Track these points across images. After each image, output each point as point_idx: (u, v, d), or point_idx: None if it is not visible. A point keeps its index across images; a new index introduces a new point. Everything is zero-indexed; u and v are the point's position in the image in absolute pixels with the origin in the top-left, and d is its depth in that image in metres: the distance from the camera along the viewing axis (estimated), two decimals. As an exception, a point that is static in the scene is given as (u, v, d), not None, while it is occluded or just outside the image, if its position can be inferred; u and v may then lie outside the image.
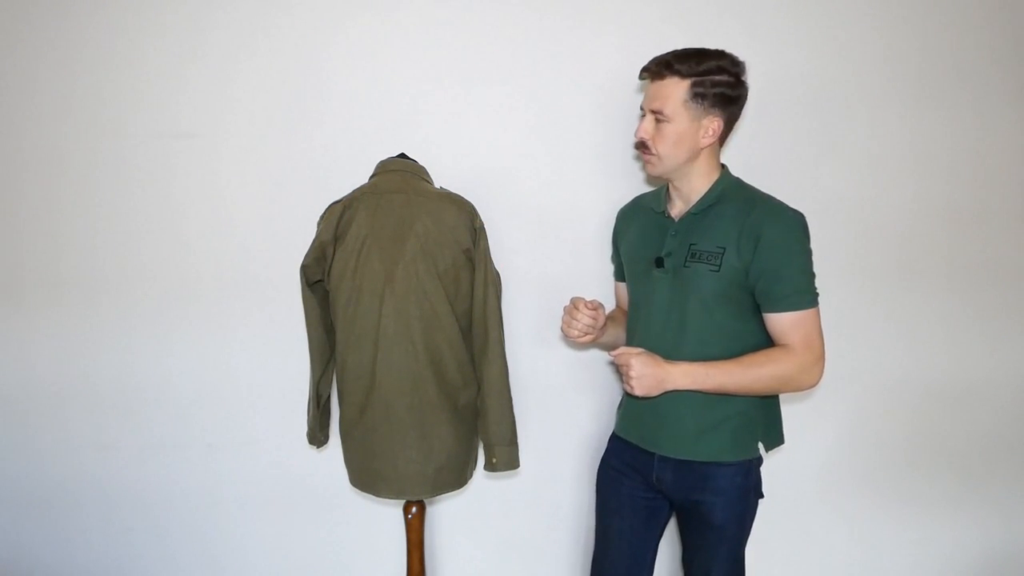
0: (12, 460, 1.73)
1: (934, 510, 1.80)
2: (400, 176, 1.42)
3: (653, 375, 1.21)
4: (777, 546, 1.77)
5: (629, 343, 1.39)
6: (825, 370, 1.22)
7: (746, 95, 1.25)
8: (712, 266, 1.22)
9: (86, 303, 1.66)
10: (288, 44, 1.57)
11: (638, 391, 1.21)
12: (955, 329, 1.73)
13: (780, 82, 1.58)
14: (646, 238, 1.35)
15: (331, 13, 1.57)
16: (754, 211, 1.21)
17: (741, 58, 1.23)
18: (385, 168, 1.45)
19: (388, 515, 1.73)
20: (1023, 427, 1.78)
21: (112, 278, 1.65)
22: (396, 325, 1.36)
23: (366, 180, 1.46)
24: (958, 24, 1.62)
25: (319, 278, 1.45)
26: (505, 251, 1.61)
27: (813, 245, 1.22)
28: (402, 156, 1.48)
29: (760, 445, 1.29)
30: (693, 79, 1.20)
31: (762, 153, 1.60)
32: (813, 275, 1.22)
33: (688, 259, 1.24)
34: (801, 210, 1.23)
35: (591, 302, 1.33)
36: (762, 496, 1.33)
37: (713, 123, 1.22)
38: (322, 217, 1.44)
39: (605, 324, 1.37)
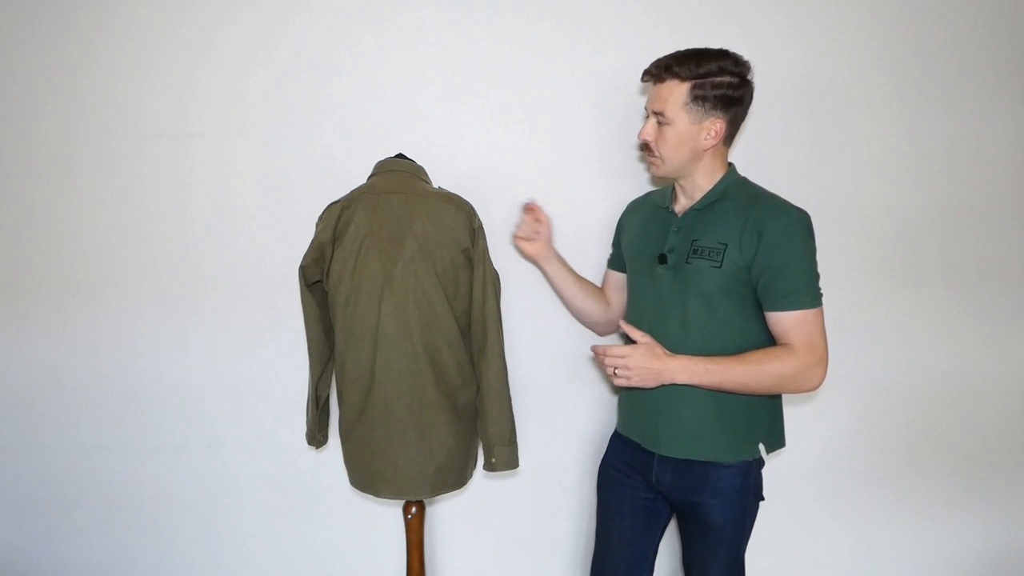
0: (12, 460, 1.73)
1: (934, 510, 1.80)
2: (398, 176, 1.42)
3: (651, 368, 1.20)
4: (777, 547, 1.77)
5: (630, 339, 1.39)
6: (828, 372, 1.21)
7: (751, 95, 1.24)
8: (713, 262, 1.21)
9: (86, 303, 1.66)
10: (292, 47, 1.57)
11: (635, 383, 1.21)
12: (955, 329, 1.72)
13: (778, 83, 1.58)
14: (649, 233, 1.35)
15: (333, 16, 1.57)
16: (757, 208, 1.21)
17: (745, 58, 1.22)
18: (383, 168, 1.45)
19: (388, 515, 1.73)
20: (1022, 427, 1.78)
21: (112, 278, 1.65)
22: (395, 325, 1.36)
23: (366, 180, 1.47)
24: (957, 25, 1.62)
25: (318, 278, 1.45)
26: (504, 251, 1.61)
27: (816, 245, 1.21)
28: (400, 156, 1.48)
29: (761, 447, 1.29)
30: (693, 82, 1.19)
31: (761, 154, 1.60)
32: (817, 275, 1.20)
33: (690, 255, 1.24)
34: (802, 208, 1.22)
35: (533, 206, 1.46)
36: (762, 499, 1.32)
37: (715, 124, 1.22)
38: (321, 217, 1.44)
39: (555, 255, 1.48)
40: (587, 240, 1.62)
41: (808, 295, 1.18)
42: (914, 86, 1.63)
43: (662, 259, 1.28)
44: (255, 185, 1.61)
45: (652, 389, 1.25)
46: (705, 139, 1.23)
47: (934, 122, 1.65)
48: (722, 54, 1.21)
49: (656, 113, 1.24)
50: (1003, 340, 1.74)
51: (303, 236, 1.46)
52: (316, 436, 1.55)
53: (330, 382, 1.55)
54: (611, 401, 1.69)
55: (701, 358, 1.21)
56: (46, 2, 1.57)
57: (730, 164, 1.31)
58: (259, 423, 1.70)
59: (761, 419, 1.29)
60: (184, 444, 1.71)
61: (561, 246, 1.60)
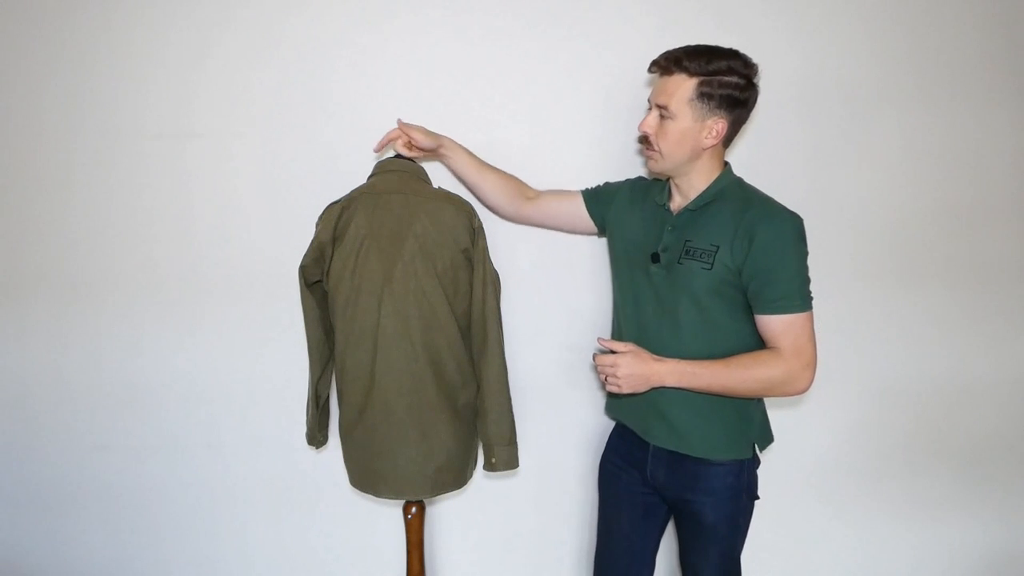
0: (12, 460, 1.73)
1: (934, 511, 1.80)
2: (398, 176, 1.42)
3: (640, 374, 1.21)
4: (777, 547, 1.77)
5: (620, 337, 1.39)
6: (816, 376, 1.21)
7: (755, 98, 1.24)
8: (704, 263, 1.21)
9: (86, 303, 1.66)
10: (293, 48, 1.57)
11: (625, 389, 1.22)
12: (954, 329, 1.72)
13: (776, 83, 1.58)
14: (645, 230, 1.34)
15: (334, 17, 1.56)
16: (750, 211, 1.20)
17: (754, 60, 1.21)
18: (383, 168, 1.45)
19: (388, 515, 1.73)
20: (1022, 427, 1.78)
21: (113, 278, 1.65)
22: (395, 325, 1.36)
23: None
24: (956, 25, 1.62)
25: (318, 278, 1.45)
26: (504, 251, 1.61)
27: (811, 247, 1.21)
28: (400, 156, 1.48)
29: (755, 446, 1.29)
30: (701, 78, 1.18)
31: (758, 154, 1.60)
32: (807, 279, 1.20)
33: (683, 256, 1.24)
34: (798, 212, 1.22)
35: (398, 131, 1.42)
36: (757, 498, 1.32)
37: (718, 124, 1.21)
38: (320, 218, 1.43)
39: (449, 148, 1.45)
40: (587, 240, 1.62)
41: (797, 299, 1.18)
42: (912, 87, 1.63)
43: (655, 258, 1.28)
44: (256, 185, 1.61)
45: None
46: (706, 138, 1.22)
47: (932, 122, 1.65)
48: (733, 54, 1.20)
49: (660, 106, 1.23)
50: (1002, 340, 1.74)
51: (304, 236, 1.46)
52: (316, 436, 1.55)
53: (330, 382, 1.55)
54: (611, 401, 1.69)
55: (689, 362, 1.21)
56: (47, 2, 1.57)
57: (726, 164, 1.30)
58: (259, 423, 1.70)
59: (752, 417, 1.30)
60: (184, 444, 1.71)
61: (560, 245, 1.60)
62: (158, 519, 1.75)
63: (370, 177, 1.46)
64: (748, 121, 1.29)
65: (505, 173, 1.52)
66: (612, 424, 1.52)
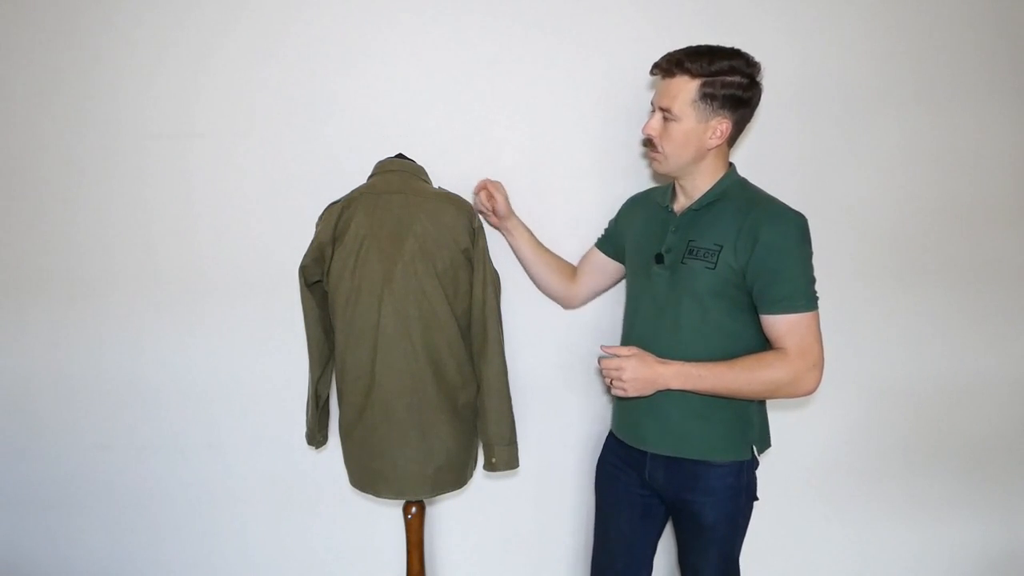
0: (12, 460, 1.73)
1: (934, 511, 1.80)
2: (398, 176, 1.42)
3: (645, 377, 1.21)
4: (776, 548, 1.77)
5: (625, 337, 1.39)
6: (823, 376, 1.20)
7: (759, 97, 1.23)
8: (708, 263, 1.21)
9: (87, 302, 1.66)
10: (295, 48, 1.57)
11: (631, 393, 1.21)
12: (954, 329, 1.72)
13: (777, 83, 1.58)
14: (648, 232, 1.34)
15: (335, 18, 1.56)
16: (754, 211, 1.20)
17: (756, 59, 1.21)
18: (383, 168, 1.45)
19: (388, 515, 1.73)
20: (1022, 427, 1.78)
21: (114, 278, 1.65)
22: (395, 325, 1.36)
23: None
24: (956, 25, 1.62)
25: (318, 278, 1.45)
26: (504, 251, 1.61)
27: (813, 247, 1.21)
28: (400, 156, 1.48)
29: (754, 448, 1.29)
30: (703, 79, 1.18)
31: (760, 154, 1.60)
32: (812, 279, 1.20)
33: (686, 256, 1.24)
34: (800, 211, 1.21)
35: (490, 187, 1.49)
36: (756, 499, 1.32)
37: (721, 124, 1.21)
38: (321, 218, 1.44)
39: (515, 226, 1.53)
40: (587, 240, 1.62)
41: (802, 299, 1.17)
42: (913, 87, 1.63)
43: (659, 259, 1.28)
44: (257, 185, 1.61)
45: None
46: (710, 138, 1.22)
47: (933, 123, 1.65)
48: (735, 53, 1.20)
49: (663, 109, 1.23)
50: (1002, 340, 1.74)
51: (304, 236, 1.46)
52: (316, 436, 1.55)
53: (330, 382, 1.55)
54: (610, 401, 1.69)
55: (693, 364, 1.21)
56: (50, 2, 1.57)
57: (730, 164, 1.30)
58: (259, 423, 1.70)
59: (750, 419, 1.29)
60: (184, 444, 1.71)
61: (560, 246, 1.60)
62: (158, 519, 1.75)
63: (370, 177, 1.46)
64: (751, 120, 1.29)
65: (558, 258, 1.58)
66: (610, 423, 1.52)
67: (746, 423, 1.28)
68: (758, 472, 1.33)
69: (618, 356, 1.23)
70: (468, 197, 1.51)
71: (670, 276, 1.26)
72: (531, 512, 1.75)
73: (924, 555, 1.82)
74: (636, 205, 1.46)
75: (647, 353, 1.23)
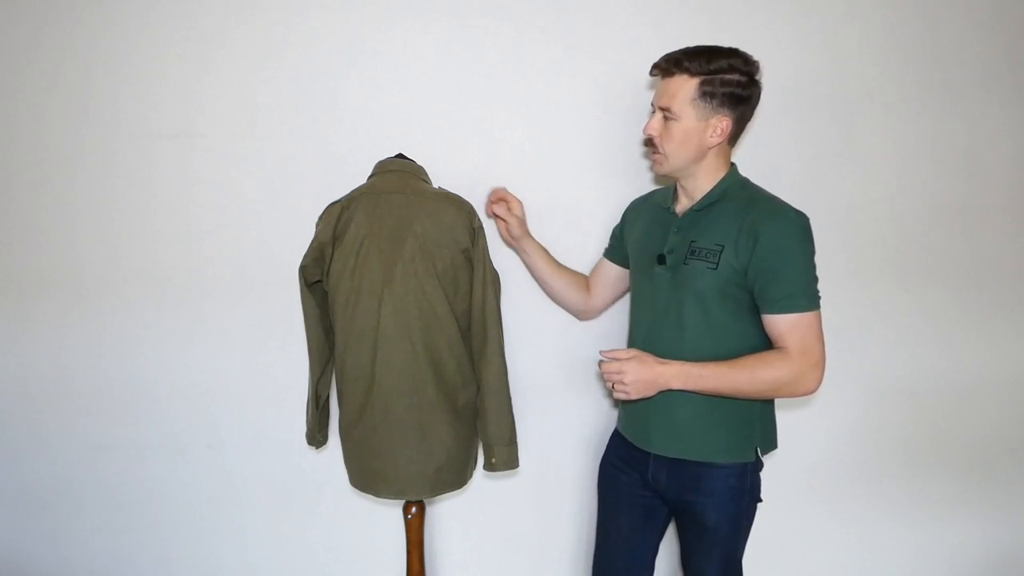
0: (12, 460, 1.73)
1: (934, 511, 1.80)
2: (398, 176, 1.42)
3: (646, 379, 1.20)
4: (777, 548, 1.77)
5: (630, 340, 1.39)
6: (825, 376, 1.20)
7: (758, 94, 1.24)
8: (710, 263, 1.21)
9: (88, 302, 1.66)
10: (296, 49, 1.57)
11: (634, 395, 1.21)
12: (954, 329, 1.72)
13: (777, 82, 1.58)
14: (651, 233, 1.35)
15: (336, 18, 1.57)
16: (754, 210, 1.20)
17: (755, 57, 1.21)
18: (383, 168, 1.45)
19: (388, 515, 1.73)
20: (1022, 427, 1.78)
21: (114, 278, 1.65)
22: (395, 325, 1.36)
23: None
24: (956, 25, 1.62)
25: (318, 279, 1.45)
26: (504, 251, 1.61)
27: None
28: (400, 156, 1.48)
29: (757, 450, 1.29)
30: (702, 78, 1.19)
31: (760, 154, 1.60)
32: (815, 278, 1.20)
33: (688, 256, 1.24)
34: (802, 211, 1.21)
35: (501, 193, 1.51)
36: (760, 500, 1.32)
37: (722, 123, 1.21)
38: (320, 218, 1.44)
39: (529, 245, 1.53)
40: (587, 240, 1.62)
41: (804, 298, 1.17)
42: (913, 86, 1.63)
43: (661, 260, 1.28)
44: (258, 185, 1.61)
45: None
46: (711, 137, 1.22)
47: (933, 122, 1.65)
48: (732, 52, 1.20)
49: (663, 109, 1.23)
50: (1002, 340, 1.74)
51: (305, 236, 1.46)
52: (316, 436, 1.55)
53: (330, 382, 1.55)
54: (610, 401, 1.69)
55: (695, 364, 1.21)
56: (50, 3, 1.57)
57: (732, 164, 1.30)
58: (259, 423, 1.70)
59: (754, 420, 1.29)
60: (184, 444, 1.71)
61: (561, 247, 1.60)
62: (158, 519, 1.75)
63: (370, 177, 1.46)
64: (751, 119, 1.29)
65: (573, 272, 1.58)
66: (613, 425, 1.52)
67: (750, 425, 1.28)
68: (760, 474, 1.33)
69: (617, 360, 1.23)
70: (469, 198, 1.51)
71: (672, 277, 1.26)
72: (531, 512, 1.75)
73: (924, 555, 1.82)
74: (638, 208, 1.46)
75: (647, 354, 1.23)
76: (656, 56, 1.26)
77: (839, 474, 1.76)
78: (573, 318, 1.64)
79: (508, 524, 1.75)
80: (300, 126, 1.60)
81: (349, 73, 1.58)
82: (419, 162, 1.51)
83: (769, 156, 1.61)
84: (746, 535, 1.34)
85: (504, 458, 1.46)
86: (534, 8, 1.57)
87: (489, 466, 1.47)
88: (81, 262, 1.65)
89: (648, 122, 1.27)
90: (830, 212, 1.64)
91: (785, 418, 1.68)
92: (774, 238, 1.16)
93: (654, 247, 1.31)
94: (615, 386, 1.23)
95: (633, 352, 1.23)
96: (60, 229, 1.64)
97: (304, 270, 1.44)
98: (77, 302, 1.66)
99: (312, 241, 1.42)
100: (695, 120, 1.21)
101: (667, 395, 1.25)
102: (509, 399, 1.47)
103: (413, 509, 1.54)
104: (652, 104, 1.28)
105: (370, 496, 1.46)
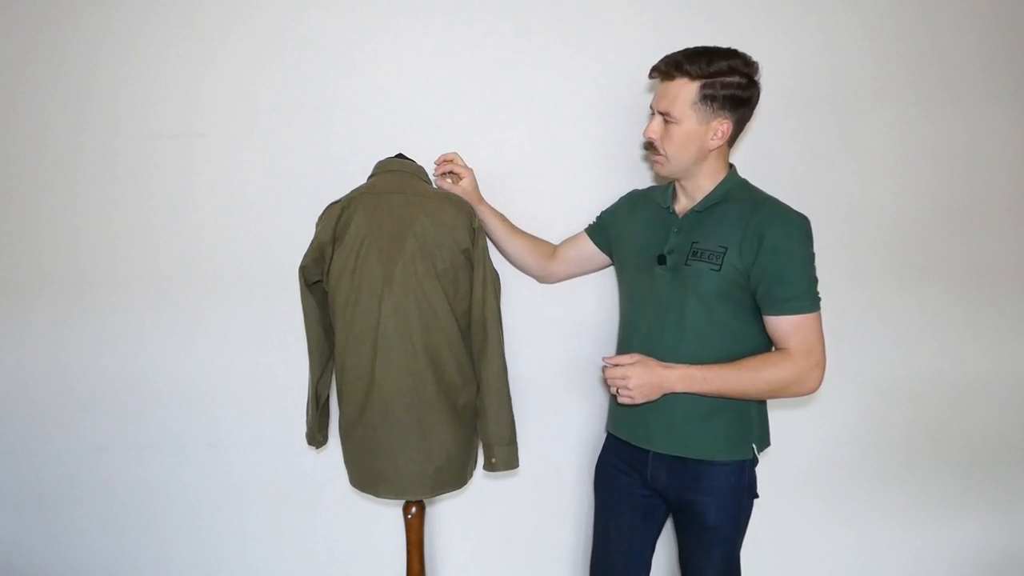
0: (12, 460, 1.73)
1: (934, 511, 1.80)
2: (398, 176, 1.42)
3: (650, 383, 1.21)
4: (776, 547, 1.77)
5: (627, 340, 1.39)
6: (825, 376, 1.21)
7: (758, 96, 1.24)
8: (713, 265, 1.21)
9: (88, 302, 1.66)
10: (296, 49, 1.57)
11: (639, 399, 1.22)
12: (954, 329, 1.72)
13: (777, 83, 1.58)
14: (650, 233, 1.34)
15: (337, 18, 1.57)
16: (758, 213, 1.21)
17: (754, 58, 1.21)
18: (383, 168, 1.45)
19: (388, 515, 1.73)
20: (1022, 427, 1.78)
21: (114, 278, 1.65)
22: (395, 325, 1.36)
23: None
24: (956, 25, 1.62)
25: (318, 279, 1.45)
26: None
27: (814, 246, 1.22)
28: (400, 156, 1.48)
29: (755, 447, 1.29)
30: (703, 80, 1.19)
31: (760, 154, 1.60)
32: (815, 280, 1.21)
33: (690, 257, 1.24)
34: (803, 212, 1.22)
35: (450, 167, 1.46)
36: (756, 496, 1.33)
37: (722, 125, 1.22)
38: (320, 218, 1.43)
39: (484, 212, 1.49)
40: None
41: (806, 300, 1.19)
42: (913, 86, 1.63)
43: (661, 260, 1.28)
44: (258, 185, 1.61)
45: None
46: (712, 139, 1.23)
47: (933, 122, 1.65)
48: (732, 53, 1.20)
49: (663, 113, 1.23)
50: (1003, 340, 1.74)
51: (305, 236, 1.46)
52: (316, 436, 1.55)
53: (330, 382, 1.55)
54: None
55: (698, 367, 1.21)
56: (51, 3, 1.57)
57: (731, 165, 1.31)
58: (259, 423, 1.70)
59: (752, 418, 1.30)
60: (184, 444, 1.71)
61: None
62: (158, 519, 1.75)
63: (370, 177, 1.46)
64: (750, 120, 1.29)
65: (532, 236, 1.57)
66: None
67: (747, 423, 1.29)
68: (757, 470, 1.33)
69: (621, 365, 1.23)
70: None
71: (672, 277, 1.26)
72: (531, 512, 1.75)
73: (924, 555, 1.82)
74: (636, 204, 1.46)
75: (650, 358, 1.23)
76: (656, 56, 1.25)
77: (839, 474, 1.76)
78: (573, 318, 1.64)
79: (508, 524, 1.75)
80: (300, 126, 1.60)
81: (349, 73, 1.58)
82: (419, 162, 1.50)
83: (769, 156, 1.61)
84: (744, 532, 1.35)
85: (504, 458, 1.46)
86: (534, 8, 1.57)
87: (489, 466, 1.47)
88: (81, 262, 1.65)
89: (648, 125, 1.27)
90: (830, 212, 1.64)
91: (785, 418, 1.69)
92: (778, 240, 1.17)
93: (654, 247, 1.31)
94: (619, 391, 1.23)
95: (636, 357, 1.24)
96: (60, 229, 1.64)
97: (304, 270, 1.44)
98: (77, 302, 1.66)
99: (312, 241, 1.42)
100: (696, 123, 1.21)
101: (663, 398, 1.25)
102: (509, 399, 1.47)
103: (413, 509, 1.54)
104: (651, 107, 1.28)
105: (370, 496, 1.46)
